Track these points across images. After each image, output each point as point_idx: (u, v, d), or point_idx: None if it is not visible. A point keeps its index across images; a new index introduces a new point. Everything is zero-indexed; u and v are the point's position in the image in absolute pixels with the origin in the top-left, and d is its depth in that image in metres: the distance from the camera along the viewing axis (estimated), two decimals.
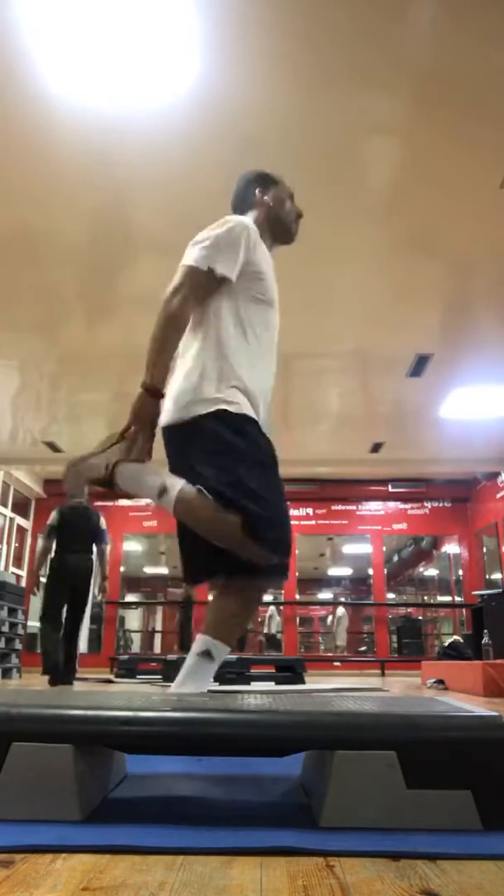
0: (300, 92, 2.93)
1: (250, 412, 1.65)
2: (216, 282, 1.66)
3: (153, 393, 1.58)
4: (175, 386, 1.66)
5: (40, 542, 5.74)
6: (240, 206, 1.93)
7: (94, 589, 5.37)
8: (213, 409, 1.60)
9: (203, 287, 1.66)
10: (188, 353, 1.68)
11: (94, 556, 5.37)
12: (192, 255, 1.66)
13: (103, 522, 5.54)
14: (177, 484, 1.57)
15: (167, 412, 1.65)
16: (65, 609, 5.28)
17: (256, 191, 1.92)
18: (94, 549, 5.38)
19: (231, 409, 1.61)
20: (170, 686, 1.64)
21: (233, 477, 1.55)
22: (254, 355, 1.70)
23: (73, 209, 3.71)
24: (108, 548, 5.55)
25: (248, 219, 1.80)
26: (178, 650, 9.48)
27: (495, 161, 3.30)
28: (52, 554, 5.37)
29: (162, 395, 1.60)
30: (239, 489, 1.53)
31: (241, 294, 1.70)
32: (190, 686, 1.55)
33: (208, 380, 1.63)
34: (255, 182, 1.94)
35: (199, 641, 1.59)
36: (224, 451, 1.58)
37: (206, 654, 1.57)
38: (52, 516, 5.38)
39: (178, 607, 10.14)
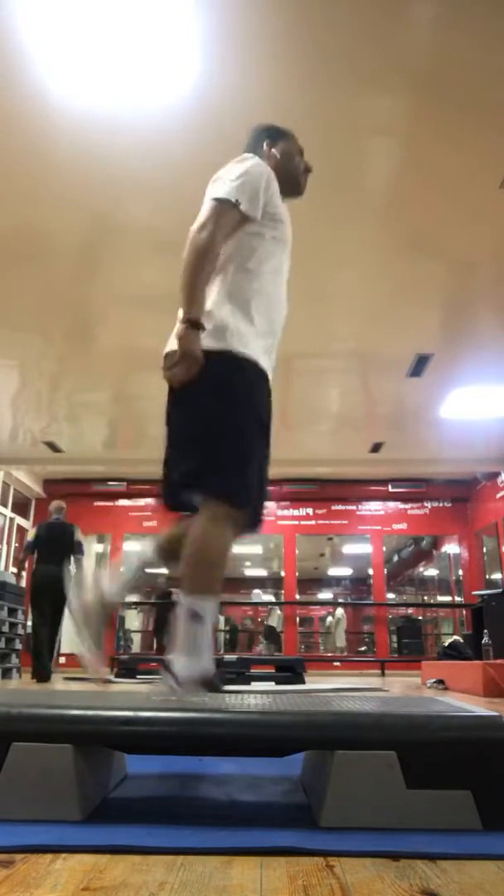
0: (300, 93, 2.93)
1: (257, 356, 1.64)
2: (241, 216, 1.66)
3: (195, 325, 1.55)
4: (218, 320, 1.64)
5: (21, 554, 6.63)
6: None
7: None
8: (221, 346, 1.58)
9: (230, 221, 1.64)
10: (209, 294, 1.65)
11: (73, 566, 6.04)
12: (217, 190, 1.65)
13: (79, 535, 6.19)
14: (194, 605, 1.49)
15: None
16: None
17: (265, 143, 1.93)
18: (72, 559, 6.07)
19: (239, 349, 1.59)
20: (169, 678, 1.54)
21: (216, 454, 1.55)
22: (270, 295, 1.71)
23: (74, 209, 3.71)
24: (84, 557, 6.22)
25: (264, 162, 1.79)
26: (155, 653, 9.49)
27: (495, 161, 3.30)
28: (34, 566, 6.16)
29: (202, 327, 1.57)
30: (227, 480, 1.53)
31: (260, 233, 1.70)
32: (192, 660, 1.43)
33: (223, 315, 1.61)
34: (264, 134, 1.96)
35: (184, 603, 1.48)
36: (219, 400, 1.57)
37: (195, 617, 1.46)
38: (32, 533, 6.23)
39: (154, 605, 10.13)
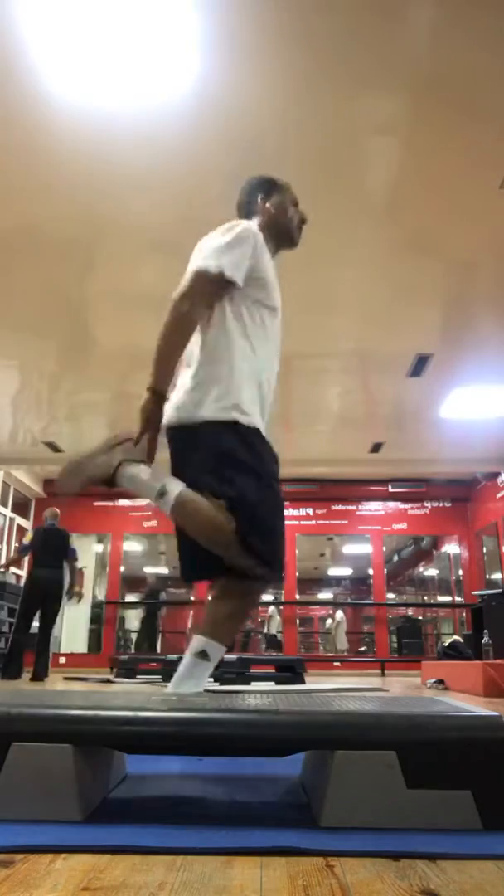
0: (300, 93, 2.93)
1: (258, 423, 1.66)
2: (224, 286, 1.66)
3: (159, 396, 1.57)
4: (183, 388, 1.66)
5: (12, 554, 6.98)
6: (244, 212, 1.93)
7: (65, 597, 6.35)
8: (223, 416, 1.60)
9: (212, 292, 1.66)
10: (194, 358, 1.68)
11: (66, 570, 6.37)
12: (200, 260, 1.66)
13: (72, 541, 6.55)
14: (176, 487, 1.58)
15: (174, 412, 1.65)
16: (38, 615, 6.27)
17: (259, 197, 1.92)
18: (66, 564, 6.38)
19: (241, 419, 1.62)
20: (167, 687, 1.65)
21: (232, 486, 1.56)
22: (258, 362, 1.71)
23: (73, 208, 3.71)
24: (78, 563, 6.54)
25: (254, 224, 1.80)
26: (141, 651, 9.51)
27: (495, 161, 3.30)
28: (27, 569, 6.52)
29: (166, 399, 1.60)
30: (236, 498, 1.55)
31: (246, 300, 1.70)
32: (187, 687, 1.56)
33: (217, 385, 1.63)
34: (258, 188, 1.94)
35: (196, 642, 1.60)
36: (227, 460, 1.59)
37: (203, 655, 1.58)
38: (29, 535, 6.47)
39: (144, 605, 10.14)
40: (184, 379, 1.68)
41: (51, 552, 6.32)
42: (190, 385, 1.65)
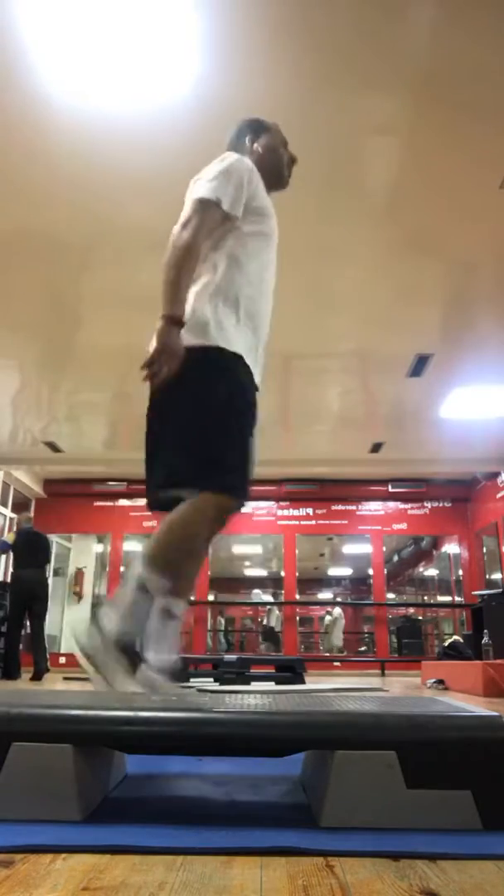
0: (300, 93, 2.93)
1: (244, 353, 1.64)
2: (223, 215, 1.67)
3: (176, 322, 1.55)
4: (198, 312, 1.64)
5: None
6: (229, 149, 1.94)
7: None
8: (207, 342, 1.58)
9: (212, 219, 1.65)
10: (192, 286, 1.65)
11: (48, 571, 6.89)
12: (199, 189, 1.67)
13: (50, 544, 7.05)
14: (161, 595, 1.47)
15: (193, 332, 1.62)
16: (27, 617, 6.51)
17: (247, 138, 1.95)
18: (48, 564, 6.83)
19: (223, 344, 1.60)
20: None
21: (219, 471, 1.53)
22: (255, 291, 1.72)
23: (73, 209, 3.71)
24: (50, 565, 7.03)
25: (246, 158, 1.81)
26: None
27: (495, 161, 3.30)
28: (13, 571, 6.69)
29: (182, 324, 1.56)
30: (208, 466, 1.52)
31: (244, 228, 1.71)
32: (163, 652, 1.43)
33: (210, 310, 1.62)
34: (246, 129, 1.97)
35: (149, 584, 1.48)
36: (204, 394, 1.57)
37: (167, 613, 1.46)
38: (10, 537, 6.77)
39: None
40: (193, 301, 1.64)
41: (33, 553, 6.59)
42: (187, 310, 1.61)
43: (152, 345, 1.55)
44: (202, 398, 1.58)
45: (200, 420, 1.57)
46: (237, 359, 1.62)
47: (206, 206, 1.63)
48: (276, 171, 1.94)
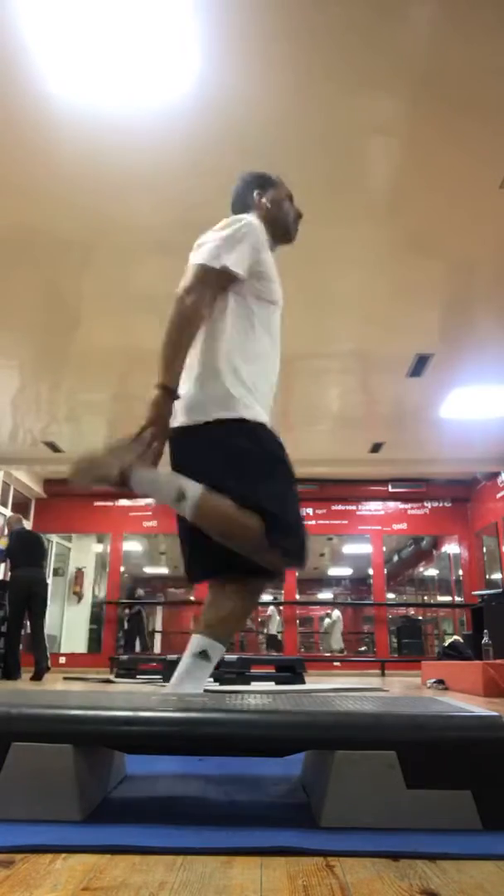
0: (300, 92, 2.93)
1: (263, 417, 1.66)
2: (227, 280, 1.66)
3: (170, 393, 1.56)
4: (187, 387, 1.64)
5: None
6: (239, 208, 1.92)
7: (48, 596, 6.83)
8: (230, 415, 1.60)
9: (215, 286, 1.65)
10: (197, 354, 1.66)
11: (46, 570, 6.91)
12: (202, 254, 1.65)
13: (46, 543, 7.12)
14: (196, 488, 1.54)
15: (180, 413, 1.63)
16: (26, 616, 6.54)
17: (255, 193, 1.92)
18: (45, 562, 6.89)
19: (247, 415, 1.61)
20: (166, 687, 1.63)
21: (252, 483, 1.55)
22: (262, 357, 1.71)
23: (73, 209, 3.71)
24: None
25: (254, 217, 1.79)
26: (128, 651, 9.55)
27: (495, 161, 3.30)
28: (12, 571, 6.70)
29: (177, 396, 1.58)
30: (259, 493, 1.54)
31: (249, 293, 1.70)
32: (187, 687, 1.54)
33: (222, 382, 1.62)
34: (253, 184, 1.94)
35: (196, 641, 1.58)
36: (242, 457, 1.58)
37: (203, 655, 1.55)
38: (4, 541, 6.88)
39: (126, 611, 10.13)
40: (187, 376, 1.65)
41: (29, 553, 6.63)
42: (195, 383, 1.64)
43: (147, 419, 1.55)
44: (235, 467, 1.59)
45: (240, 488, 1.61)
46: (261, 426, 1.65)
47: (208, 271, 1.62)
48: (283, 225, 1.93)
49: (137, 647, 10.14)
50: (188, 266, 1.65)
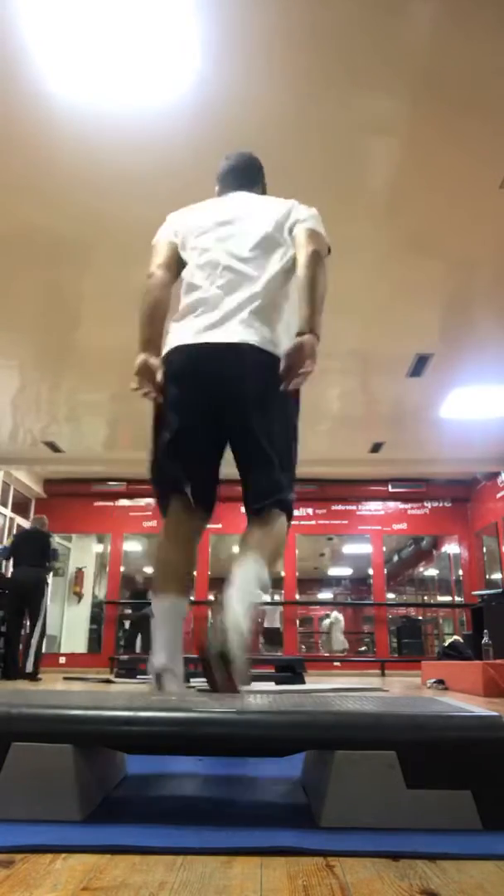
0: (300, 92, 2.93)
1: None
2: None
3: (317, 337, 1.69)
4: (283, 327, 1.76)
5: None
6: (249, 181, 2.06)
7: (47, 596, 6.60)
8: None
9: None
10: (280, 306, 1.78)
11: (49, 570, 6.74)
12: (320, 226, 1.82)
13: (53, 542, 6.87)
14: (256, 595, 1.57)
15: (272, 339, 1.72)
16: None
17: (263, 179, 2.11)
18: (49, 564, 6.71)
19: None
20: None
21: (292, 483, 1.78)
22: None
23: (73, 208, 3.71)
24: (57, 563, 6.91)
25: None
26: (132, 651, 9.52)
27: (495, 161, 3.30)
28: (11, 570, 6.74)
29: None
30: (292, 491, 1.77)
31: None
32: (247, 603, 1.49)
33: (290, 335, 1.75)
34: (262, 170, 2.13)
35: (259, 563, 1.60)
36: (294, 414, 1.83)
37: (264, 587, 1.61)
38: (9, 540, 6.87)
39: (128, 611, 10.09)
40: (282, 321, 1.76)
41: (28, 553, 6.58)
42: (279, 327, 1.74)
43: (303, 353, 1.64)
44: (293, 419, 1.79)
45: (293, 442, 1.79)
46: None
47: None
48: None
49: (138, 647, 10.14)
50: (313, 230, 1.79)
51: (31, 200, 3.65)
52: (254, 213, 1.87)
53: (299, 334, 1.65)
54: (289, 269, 1.80)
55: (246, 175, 2.06)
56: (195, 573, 8.45)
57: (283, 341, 1.70)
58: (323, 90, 2.92)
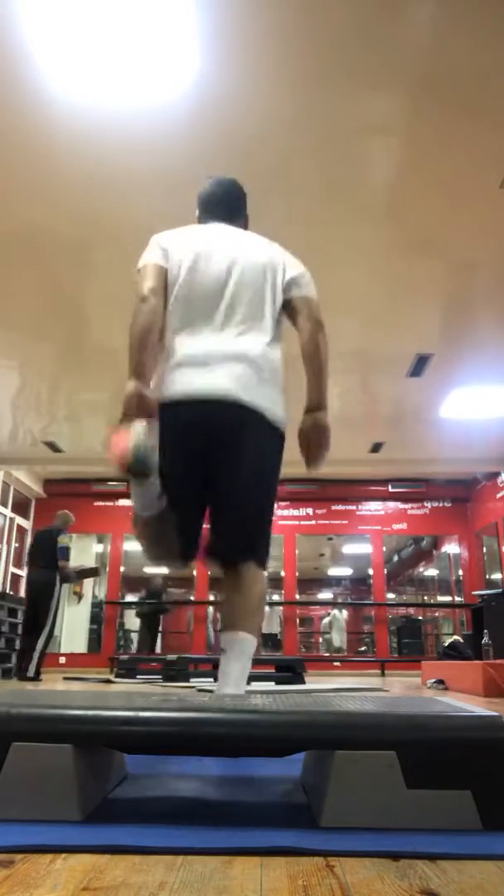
0: (300, 92, 2.93)
1: None
2: None
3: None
4: (274, 388, 1.77)
5: None
6: (232, 213, 2.01)
7: (55, 599, 6.39)
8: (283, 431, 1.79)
9: None
10: (276, 368, 1.79)
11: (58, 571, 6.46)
12: (314, 293, 1.88)
13: (62, 540, 6.48)
14: (249, 641, 1.65)
15: (280, 411, 1.75)
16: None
17: (245, 209, 2.07)
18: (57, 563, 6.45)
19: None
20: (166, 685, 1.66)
21: (268, 527, 1.83)
22: None
23: (73, 209, 3.71)
24: (65, 562, 6.45)
25: None
26: (142, 652, 9.51)
27: (495, 161, 3.30)
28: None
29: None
30: (267, 545, 1.82)
31: None
32: (240, 688, 1.61)
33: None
34: (245, 199, 2.08)
35: (245, 641, 1.64)
36: (275, 480, 1.81)
37: (249, 657, 1.65)
38: (64, 540, 6.54)
39: (146, 609, 10.08)
40: (276, 384, 1.77)
41: (38, 554, 6.52)
42: (277, 389, 1.76)
43: (324, 432, 1.76)
44: (274, 484, 1.79)
45: (271, 502, 1.80)
46: None
47: None
48: None
49: (136, 647, 10.14)
50: (312, 300, 1.85)
51: (30, 200, 3.65)
52: (242, 250, 1.85)
53: (311, 410, 1.72)
54: (278, 321, 1.83)
55: (231, 206, 2.03)
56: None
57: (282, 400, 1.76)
58: (323, 90, 2.92)
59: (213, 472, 1.69)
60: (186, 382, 1.67)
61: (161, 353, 1.76)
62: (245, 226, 2.03)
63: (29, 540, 10.03)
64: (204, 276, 1.77)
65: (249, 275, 1.78)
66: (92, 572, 7.92)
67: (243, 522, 1.70)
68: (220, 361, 1.68)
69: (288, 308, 1.83)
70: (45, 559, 6.39)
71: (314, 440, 1.68)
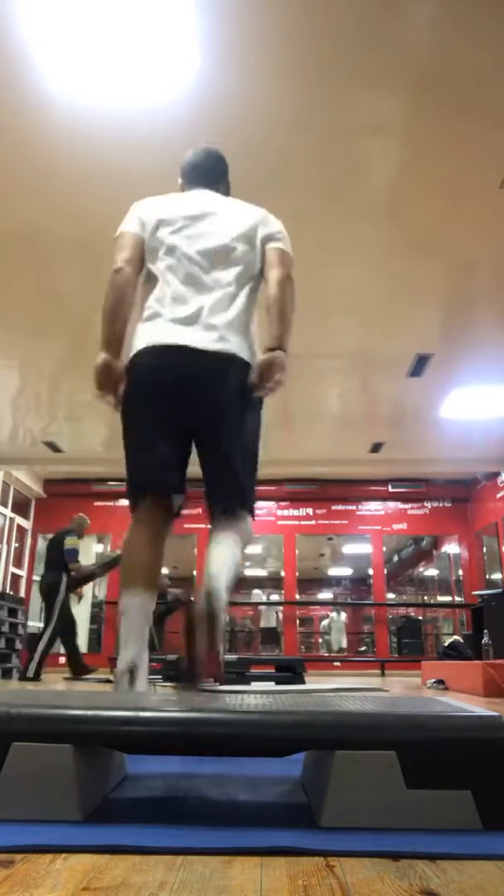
0: (300, 92, 2.93)
1: None
2: None
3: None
4: (251, 340, 1.82)
5: None
6: (215, 180, 2.05)
7: (58, 601, 6.36)
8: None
9: None
10: (246, 314, 1.83)
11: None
12: (288, 247, 1.87)
13: (68, 542, 6.41)
14: (219, 595, 1.61)
15: (248, 348, 1.78)
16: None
17: (227, 179, 2.11)
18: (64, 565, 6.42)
19: None
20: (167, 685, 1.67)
21: (254, 491, 1.81)
22: None
23: (73, 208, 3.71)
24: (74, 563, 6.39)
25: None
26: (154, 652, 9.49)
27: (495, 161, 3.30)
28: None
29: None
30: (254, 493, 1.81)
31: None
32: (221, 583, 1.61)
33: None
34: (227, 170, 2.13)
35: (237, 545, 1.71)
36: (259, 421, 1.86)
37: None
38: (71, 542, 6.49)
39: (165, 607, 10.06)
40: (250, 332, 1.80)
41: (47, 556, 6.58)
42: (247, 333, 1.79)
43: (275, 367, 1.73)
44: (258, 426, 1.82)
45: (256, 448, 1.82)
46: None
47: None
48: None
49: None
50: (284, 251, 1.85)
51: (30, 201, 3.65)
52: (224, 215, 1.88)
53: (270, 349, 1.72)
54: (255, 278, 1.84)
55: (212, 173, 2.06)
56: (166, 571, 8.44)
57: (255, 350, 1.78)
58: (323, 90, 2.92)
59: (194, 423, 1.76)
60: (172, 334, 1.74)
61: (141, 317, 1.83)
62: (226, 193, 2.05)
63: (29, 540, 10.06)
64: (188, 240, 1.82)
65: (230, 237, 1.82)
66: (114, 562, 7.87)
67: (234, 475, 1.76)
68: (205, 320, 1.74)
69: (262, 261, 1.86)
70: (52, 561, 6.44)
71: (268, 373, 1.71)
